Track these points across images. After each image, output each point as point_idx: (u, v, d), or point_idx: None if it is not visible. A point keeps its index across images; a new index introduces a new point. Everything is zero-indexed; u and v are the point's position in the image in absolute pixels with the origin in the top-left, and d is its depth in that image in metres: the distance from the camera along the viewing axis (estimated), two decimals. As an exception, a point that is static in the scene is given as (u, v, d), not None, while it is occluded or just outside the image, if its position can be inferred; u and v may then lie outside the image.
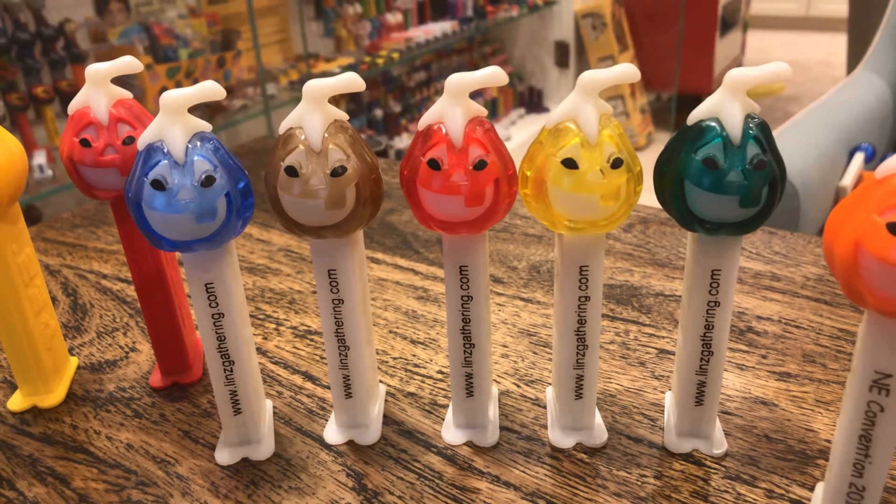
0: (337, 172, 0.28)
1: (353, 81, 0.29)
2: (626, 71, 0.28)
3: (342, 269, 0.31)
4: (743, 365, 0.38)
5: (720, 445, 0.33)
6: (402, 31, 2.19)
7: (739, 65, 2.99)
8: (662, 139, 2.57)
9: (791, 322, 0.41)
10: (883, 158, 1.28)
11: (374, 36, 2.12)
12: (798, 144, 1.19)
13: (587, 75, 0.28)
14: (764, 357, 0.39)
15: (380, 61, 2.02)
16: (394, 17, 2.16)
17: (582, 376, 0.33)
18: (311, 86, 0.28)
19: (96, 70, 0.32)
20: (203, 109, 1.63)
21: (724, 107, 0.27)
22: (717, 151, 0.27)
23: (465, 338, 0.32)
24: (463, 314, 0.32)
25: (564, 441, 0.34)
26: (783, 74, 0.27)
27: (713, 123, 0.27)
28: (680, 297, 0.44)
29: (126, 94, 0.33)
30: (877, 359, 0.24)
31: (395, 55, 2.06)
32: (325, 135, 0.28)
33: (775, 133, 1.26)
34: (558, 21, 2.50)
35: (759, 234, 0.51)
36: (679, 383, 0.32)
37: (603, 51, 2.49)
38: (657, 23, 2.52)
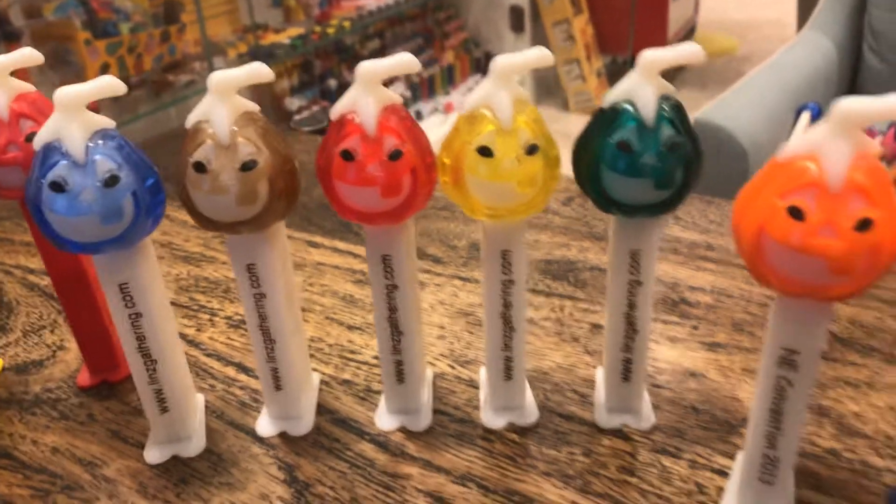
0: (247, 167, 0.27)
1: (260, 72, 0.28)
2: (541, 56, 0.27)
3: (262, 263, 0.30)
4: (675, 337, 0.39)
5: (648, 420, 0.33)
6: (352, -2, 2.14)
7: (693, 26, 2.99)
8: (619, 102, 2.58)
9: (723, 291, 0.42)
10: (828, 117, 1.31)
11: (324, 5, 2.07)
12: (746, 105, 1.20)
13: (500, 60, 0.27)
14: (695, 328, 0.39)
15: (331, 31, 1.97)
16: (343, -16, 2.11)
17: (510, 357, 0.33)
18: (217, 77, 0.27)
19: (-6, 64, 0.30)
20: (149, 86, 1.58)
21: (637, 89, 0.27)
22: (631, 134, 0.27)
23: (393, 326, 0.32)
24: (389, 303, 0.32)
25: (496, 422, 0.34)
26: (696, 56, 0.27)
27: (627, 106, 0.27)
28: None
29: (28, 87, 0.31)
30: (784, 336, 0.25)
31: (347, 24, 2.02)
32: (234, 128, 0.27)
33: (725, 94, 1.27)
34: (512, -16, 2.47)
35: (696, 204, 0.51)
36: (607, 360, 0.33)
37: (558, 14, 2.48)
38: (611, -16, 2.50)
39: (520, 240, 0.30)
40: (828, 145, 0.21)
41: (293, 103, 1.98)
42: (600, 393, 0.34)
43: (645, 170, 0.27)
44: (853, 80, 1.46)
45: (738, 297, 0.41)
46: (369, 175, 0.27)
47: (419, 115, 2.26)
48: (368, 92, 0.27)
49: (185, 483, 0.31)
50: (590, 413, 0.34)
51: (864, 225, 0.21)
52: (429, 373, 0.37)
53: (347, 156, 0.27)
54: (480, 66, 2.64)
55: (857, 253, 0.21)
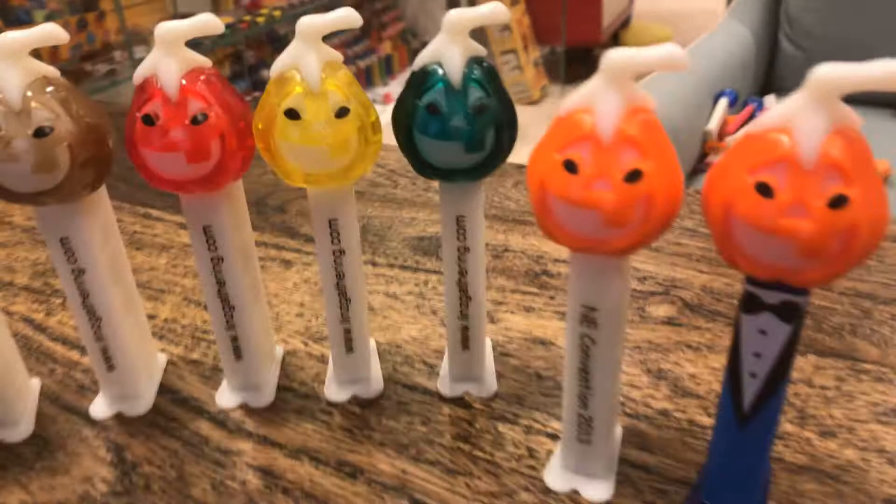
0: (41, 133, 0.26)
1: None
2: (347, 16, 0.27)
3: (76, 237, 0.29)
4: (530, 307, 0.39)
5: (490, 388, 0.33)
6: (283, -14, 2.11)
7: (629, 16, 3.04)
8: (556, 92, 2.60)
9: (585, 263, 0.42)
10: (745, 103, 1.34)
11: (252, -8, 2.04)
12: (665, 92, 1.22)
13: (306, 21, 0.27)
14: (552, 298, 0.39)
15: (260, 20, 1.94)
16: (273, -28, 2.07)
17: (349, 329, 0.32)
18: (6, 39, 0.26)
19: None
20: (67, 77, 1.52)
21: (444, 51, 0.26)
22: (439, 97, 0.26)
23: (224, 301, 0.31)
24: (216, 277, 0.31)
25: (339, 395, 0.33)
26: (500, 15, 0.26)
27: (436, 68, 0.27)
28: (486, 245, 0.44)
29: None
30: (582, 294, 0.25)
31: (277, 13, 1.99)
32: (28, 93, 0.26)
33: (643, 81, 1.29)
34: (449, -26, 2.47)
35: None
36: (448, 329, 0.33)
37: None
38: (546, -26, 2.52)
39: (347, 208, 0.30)
40: (802, 117, 0.19)
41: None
42: (446, 363, 0.34)
43: (454, 133, 0.26)
44: (770, 66, 1.50)
45: (599, 267, 0.42)
46: (172, 140, 0.26)
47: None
48: (169, 53, 0.26)
49: (4, 469, 0.30)
50: (435, 383, 0.34)
51: (838, 202, 0.19)
52: (278, 350, 0.36)
53: (148, 120, 0.26)
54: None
55: (830, 234, 0.19)
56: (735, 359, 0.24)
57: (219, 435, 0.32)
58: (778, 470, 0.28)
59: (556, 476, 0.29)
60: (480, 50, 0.27)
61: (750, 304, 0.22)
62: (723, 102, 1.32)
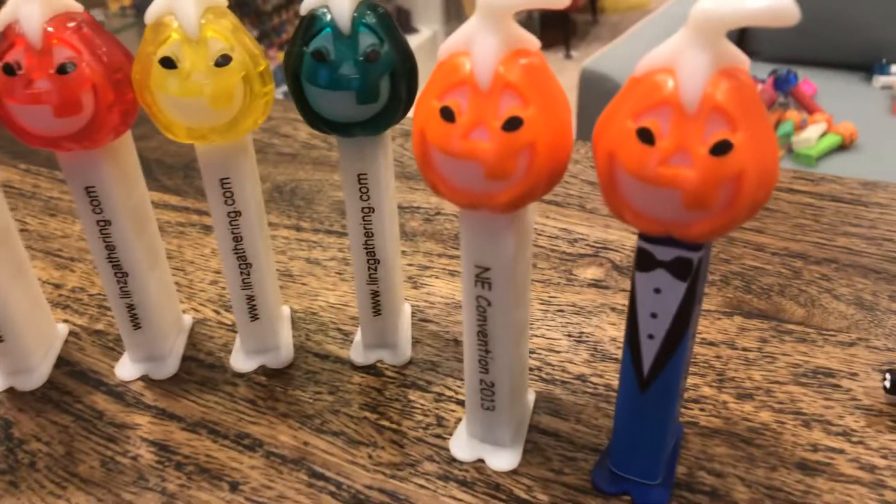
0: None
1: None
2: (226, -46, 0.25)
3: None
4: (456, 271, 0.37)
5: (404, 355, 0.32)
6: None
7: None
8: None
9: (516, 226, 0.41)
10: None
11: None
12: (633, 55, 1.20)
13: (180, -40, 0.24)
14: (479, 263, 0.38)
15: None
16: (235, -68, 2.00)
17: (252, 296, 0.31)
18: None
19: None
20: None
21: (332, -7, 0.24)
22: (326, 43, 0.24)
23: (115, 266, 0.29)
24: (104, 241, 0.29)
25: (246, 365, 0.32)
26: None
27: (324, 12, 0.25)
28: (417, 207, 0.43)
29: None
30: (474, 253, 0.23)
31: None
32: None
33: (612, 45, 1.27)
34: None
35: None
36: (357, 295, 0.31)
37: (466, -34, 2.43)
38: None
39: (240, 166, 0.28)
40: (685, 56, 0.18)
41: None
42: (360, 330, 0.33)
43: (343, 81, 0.25)
44: (741, 30, 1.48)
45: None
46: (36, 92, 0.24)
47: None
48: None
49: None
50: (348, 352, 0.32)
51: (722, 149, 0.17)
52: (186, 319, 0.35)
53: (9, 70, 0.24)
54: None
55: (713, 182, 0.17)
56: (632, 320, 0.22)
57: (115, 409, 0.30)
58: (691, 434, 0.27)
59: (461, 445, 0.28)
60: (374, -7, 0.25)
61: (643, 261, 0.21)
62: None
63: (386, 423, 0.29)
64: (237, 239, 0.29)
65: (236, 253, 0.29)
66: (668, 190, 0.18)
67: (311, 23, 0.25)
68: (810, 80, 1.23)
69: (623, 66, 1.14)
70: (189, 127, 0.26)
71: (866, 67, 1.28)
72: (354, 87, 0.25)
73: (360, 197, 0.28)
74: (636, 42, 1.24)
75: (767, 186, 0.19)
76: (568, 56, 2.56)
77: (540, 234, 0.40)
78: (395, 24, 0.25)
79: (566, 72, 2.45)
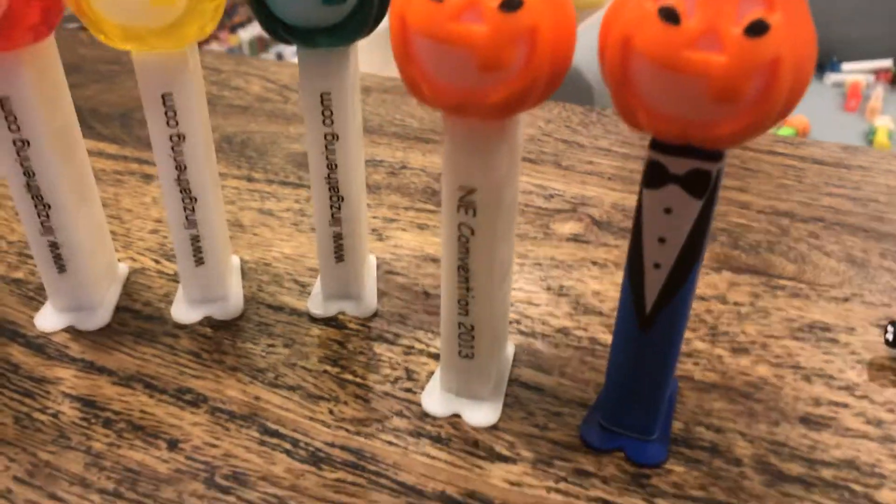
0: None
1: None
2: None
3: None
4: (425, 224, 0.34)
5: (369, 307, 0.29)
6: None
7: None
8: None
9: (489, 181, 0.38)
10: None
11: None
12: (591, 44, 1.19)
13: None
14: (449, 216, 0.35)
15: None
16: None
17: (197, 237, 0.27)
18: None
19: None
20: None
21: None
22: (289, -69, 0.21)
23: (36, 198, 0.25)
24: (22, 165, 0.25)
25: (189, 316, 0.28)
26: None
27: None
28: (380, 161, 0.40)
29: None
30: (459, 172, 0.20)
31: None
32: None
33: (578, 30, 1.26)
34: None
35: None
36: (317, 238, 0.28)
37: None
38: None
39: (184, 81, 0.24)
40: None
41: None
42: (319, 279, 0.30)
43: (308, -24, 0.21)
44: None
45: (504, 184, 0.38)
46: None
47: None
48: None
49: None
50: (305, 303, 0.29)
51: (758, 29, 0.15)
52: (122, 267, 0.31)
53: None
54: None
55: (748, 69, 0.15)
56: (636, 247, 0.20)
57: (33, 362, 0.26)
58: (686, 389, 0.25)
59: (434, 399, 0.25)
60: None
61: (653, 175, 0.19)
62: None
63: (349, 377, 0.26)
64: (180, 167, 0.25)
65: (179, 184, 0.26)
66: (694, 79, 0.16)
67: None
68: (766, 74, 1.24)
69: (581, 54, 1.13)
70: (124, 26, 0.22)
71: (818, 64, 1.30)
72: (320, -17, 0.21)
73: (323, 122, 0.25)
74: (592, 32, 1.23)
75: (804, 79, 0.16)
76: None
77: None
78: (369, -82, 0.22)
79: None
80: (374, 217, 0.35)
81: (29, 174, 0.25)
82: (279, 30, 0.23)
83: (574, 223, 0.34)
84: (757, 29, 0.15)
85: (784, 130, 1.08)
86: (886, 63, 1.26)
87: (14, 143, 0.24)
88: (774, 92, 0.16)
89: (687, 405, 0.24)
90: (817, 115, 1.13)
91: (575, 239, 0.33)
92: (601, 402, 0.24)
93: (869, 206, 0.36)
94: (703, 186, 0.18)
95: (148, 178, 0.38)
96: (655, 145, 0.18)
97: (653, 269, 0.20)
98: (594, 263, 0.32)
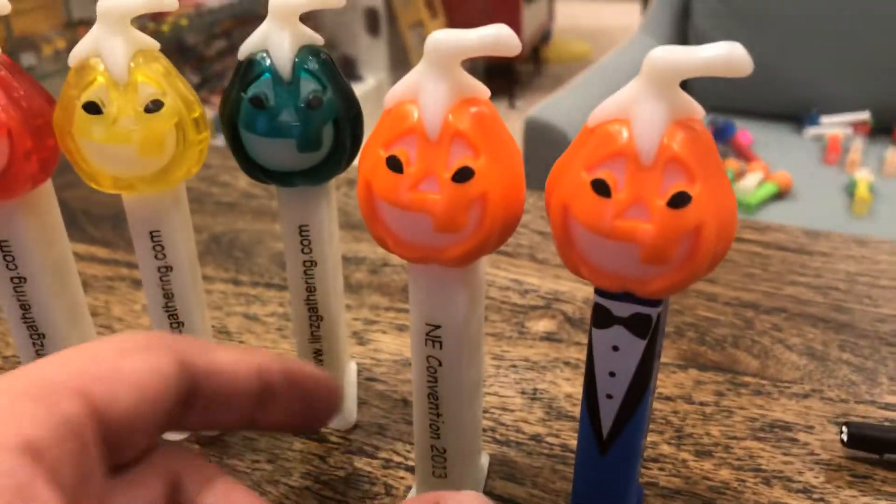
0: None
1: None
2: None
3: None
4: (404, 325, 0.36)
5: (349, 419, 0.30)
6: (191, -5, 2.03)
7: (549, 32, 3.09)
8: (476, 106, 2.61)
9: (466, 277, 0.40)
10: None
11: (158, 0, 1.95)
12: (576, 104, 1.23)
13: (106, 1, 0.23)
14: (428, 316, 0.37)
15: (165, 28, 1.86)
16: (180, -20, 1.99)
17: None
18: None
19: None
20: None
21: (271, 38, 0.23)
22: (265, 89, 0.23)
23: (31, 329, 0.27)
24: (19, 300, 0.26)
25: (173, 433, 0.29)
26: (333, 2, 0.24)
27: (263, 56, 0.23)
28: (362, 258, 0.41)
29: None
30: (424, 310, 0.22)
31: (184, 21, 1.91)
32: None
33: (556, 94, 1.30)
34: (366, -13, 2.45)
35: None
36: (297, 354, 0.29)
37: (413, 17, 2.48)
38: (464, -11, 2.53)
39: (172, 218, 0.26)
40: (640, 106, 0.17)
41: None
42: (302, 391, 0.31)
43: (283, 129, 0.23)
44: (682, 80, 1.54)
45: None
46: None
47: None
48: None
49: None
50: (289, 414, 0.30)
51: (680, 201, 0.17)
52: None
53: None
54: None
55: (673, 236, 0.17)
56: (590, 380, 0.21)
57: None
58: (651, 495, 0.26)
59: (411, 516, 0.26)
60: (316, 38, 0.24)
61: (600, 317, 0.20)
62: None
63: (329, 494, 0.27)
64: (168, 296, 0.27)
65: (167, 311, 0.27)
66: (625, 244, 0.17)
67: (250, 67, 0.23)
68: (747, 130, 1.28)
69: (567, 114, 1.16)
70: (116, 176, 0.24)
71: (798, 118, 1.34)
72: (295, 135, 0.23)
73: (302, 250, 0.27)
74: (580, 91, 1.27)
75: (727, 239, 0.18)
76: (512, 106, 2.61)
77: (491, 286, 0.39)
78: (339, 70, 0.24)
79: (510, 121, 2.49)
80: (355, 319, 0.36)
81: (25, 307, 0.26)
82: (259, 174, 0.25)
83: (548, 321, 0.36)
84: (679, 201, 0.17)
85: (767, 187, 1.10)
86: (864, 116, 1.29)
87: (11, 279, 0.26)
88: (699, 254, 0.17)
89: (653, 514, 0.26)
90: (799, 170, 1.16)
91: (548, 338, 0.35)
92: (570, 515, 0.25)
93: (829, 294, 0.37)
94: (645, 328, 0.20)
95: (137, 283, 0.39)
96: (600, 291, 0.20)
97: (606, 400, 0.21)
98: (566, 364, 0.33)
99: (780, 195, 1.12)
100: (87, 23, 1.77)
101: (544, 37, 3.00)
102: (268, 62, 0.23)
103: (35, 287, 0.26)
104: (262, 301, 0.38)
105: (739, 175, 1.14)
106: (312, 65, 0.24)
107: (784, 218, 1.06)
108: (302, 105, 0.23)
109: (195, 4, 1.97)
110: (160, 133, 0.23)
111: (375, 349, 0.34)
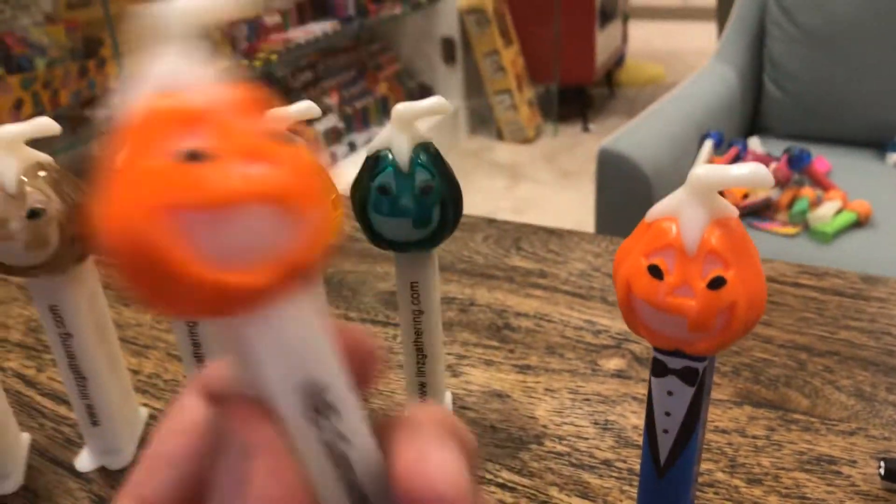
0: (35, 214, 0.29)
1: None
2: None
3: (65, 305, 0.32)
4: (491, 360, 0.41)
5: (447, 439, 0.36)
6: (280, 31, 2.17)
7: (622, 55, 3.11)
8: (550, 130, 2.66)
9: (544, 317, 0.45)
10: (730, 144, 1.38)
11: (251, 38, 2.10)
12: (650, 135, 1.26)
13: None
14: (511, 352, 0.42)
15: (257, 63, 2.00)
16: (271, 19, 2.14)
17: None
18: (4, 131, 0.29)
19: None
20: (66, 122, 1.57)
21: (394, 139, 0.30)
22: (389, 179, 0.30)
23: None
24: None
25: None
26: (441, 108, 0.30)
27: (387, 153, 0.30)
28: (452, 298, 0.47)
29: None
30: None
31: (274, 57, 2.04)
32: (23, 178, 0.29)
33: (630, 124, 1.33)
34: (443, 17, 2.54)
35: (540, 235, 0.55)
36: (406, 385, 0.35)
37: (488, 45, 2.55)
38: (538, 16, 2.59)
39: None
40: (685, 210, 0.22)
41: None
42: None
43: (403, 211, 0.30)
44: (756, 108, 1.54)
45: (557, 321, 0.45)
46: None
47: (352, 146, 2.29)
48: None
49: (-6, 519, 0.33)
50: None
51: (717, 283, 0.21)
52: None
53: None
54: (414, 97, 2.68)
55: (712, 310, 0.21)
56: (650, 417, 0.26)
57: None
58: (706, 516, 0.31)
59: (501, 524, 0.31)
60: (427, 137, 0.30)
61: (657, 368, 0.25)
62: (708, 144, 1.36)
63: None
64: (71, 356, 0.33)
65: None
66: (675, 316, 0.22)
67: (376, 162, 0.30)
68: (824, 158, 1.27)
69: (640, 145, 1.19)
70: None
71: (879, 145, 1.33)
72: (412, 216, 0.30)
73: (412, 301, 0.33)
74: (653, 121, 1.30)
75: (757, 312, 0.23)
76: (586, 129, 2.64)
77: (566, 326, 0.44)
78: (444, 160, 0.30)
79: (584, 144, 2.53)
80: (448, 353, 0.42)
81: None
82: (383, 243, 0.31)
83: (618, 359, 0.41)
84: (717, 283, 0.22)
85: (845, 216, 1.10)
86: (947, 141, 1.27)
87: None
88: (734, 324, 0.22)
89: (707, 531, 0.30)
90: (879, 198, 1.15)
91: (618, 375, 0.40)
92: (634, 529, 0.30)
93: (882, 339, 0.41)
94: (693, 378, 0.25)
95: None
96: (657, 349, 0.25)
97: (663, 434, 0.26)
98: (634, 399, 0.38)
99: (859, 224, 1.12)
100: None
101: (618, 61, 3.02)
102: (390, 157, 0.30)
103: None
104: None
105: (815, 204, 1.14)
106: (424, 158, 0.30)
107: (862, 248, 1.06)
108: (417, 192, 0.29)
109: (284, 40, 2.11)
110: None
111: (466, 381, 0.40)
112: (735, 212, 0.23)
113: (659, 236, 0.23)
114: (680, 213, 0.22)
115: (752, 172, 0.21)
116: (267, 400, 0.13)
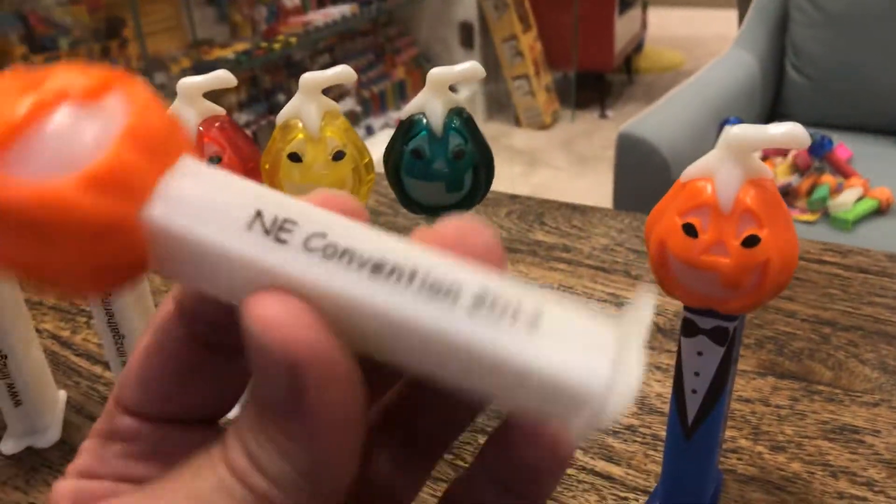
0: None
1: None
2: (343, 72, 0.31)
3: None
4: (515, 330, 0.42)
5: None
6: (300, 14, 2.17)
7: (641, 41, 3.09)
8: (567, 117, 2.64)
9: (569, 290, 0.46)
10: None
11: (271, 20, 2.10)
12: (669, 119, 1.26)
13: (307, 77, 0.30)
14: (535, 322, 0.43)
15: (277, 46, 2.00)
16: (291, 1, 2.14)
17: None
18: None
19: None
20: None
21: (428, 103, 0.30)
22: (423, 143, 0.30)
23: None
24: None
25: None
26: (475, 73, 0.30)
27: (420, 118, 0.30)
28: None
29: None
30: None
31: (293, 40, 2.05)
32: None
33: (650, 109, 1.33)
34: (461, 2, 2.53)
35: (563, 211, 0.55)
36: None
37: (506, 30, 2.53)
38: (557, 1, 2.57)
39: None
40: (720, 169, 0.22)
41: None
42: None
43: (436, 174, 0.30)
44: (777, 94, 1.53)
45: (581, 294, 0.45)
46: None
47: (370, 130, 2.30)
48: (190, 104, 0.30)
49: (35, 471, 0.34)
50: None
51: (751, 242, 0.22)
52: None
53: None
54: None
55: (745, 268, 0.22)
56: (678, 378, 0.27)
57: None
58: (729, 480, 0.31)
59: None
60: (460, 101, 0.31)
61: (687, 328, 0.26)
62: (728, 130, 1.34)
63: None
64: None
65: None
66: (708, 273, 0.23)
67: (410, 126, 0.30)
68: (845, 145, 1.26)
69: (660, 130, 1.19)
70: None
71: (896, 132, 1.31)
72: (444, 179, 0.30)
73: (442, 266, 0.33)
74: (673, 107, 1.30)
75: (789, 271, 0.23)
76: (603, 115, 2.63)
77: (590, 298, 0.44)
78: (476, 126, 0.31)
79: (602, 131, 2.52)
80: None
81: (110, 315, 0.33)
82: (415, 208, 0.32)
83: (641, 330, 0.41)
84: (751, 241, 0.22)
85: (866, 203, 1.09)
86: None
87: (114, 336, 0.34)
88: (766, 282, 0.23)
89: (730, 494, 0.31)
90: (900, 186, 1.14)
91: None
92: (659, 490, 0.30)
93: (906, 315, 0.41)
94: (723, 338, 0.25)
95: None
96: (688, 308, 0.25)
97: (691, 394, 0.27)
98: (658, 368, 0.38)
99: (881, 211, 1.11)
100: (209, 42, 1.93)
101: (637, 47, 3.00)
102: (424, 122, 0.30)
103: (118, 300, 0.34)
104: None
105: (836, 191, 1.14)
106: (458, 123, 0.30)
107: (883, 235, 1.05)
108: (450, 156, 0.30)
109: (303, 23, 2.11)
110: (343, 176, 0.31)
111: (491, 349, 0.40)
112: (769, 173, 0.23)
113: (694, 195, 0.23)
114: (715, 172, 0.23)
115: (789, 131, 0.22)
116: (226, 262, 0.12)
